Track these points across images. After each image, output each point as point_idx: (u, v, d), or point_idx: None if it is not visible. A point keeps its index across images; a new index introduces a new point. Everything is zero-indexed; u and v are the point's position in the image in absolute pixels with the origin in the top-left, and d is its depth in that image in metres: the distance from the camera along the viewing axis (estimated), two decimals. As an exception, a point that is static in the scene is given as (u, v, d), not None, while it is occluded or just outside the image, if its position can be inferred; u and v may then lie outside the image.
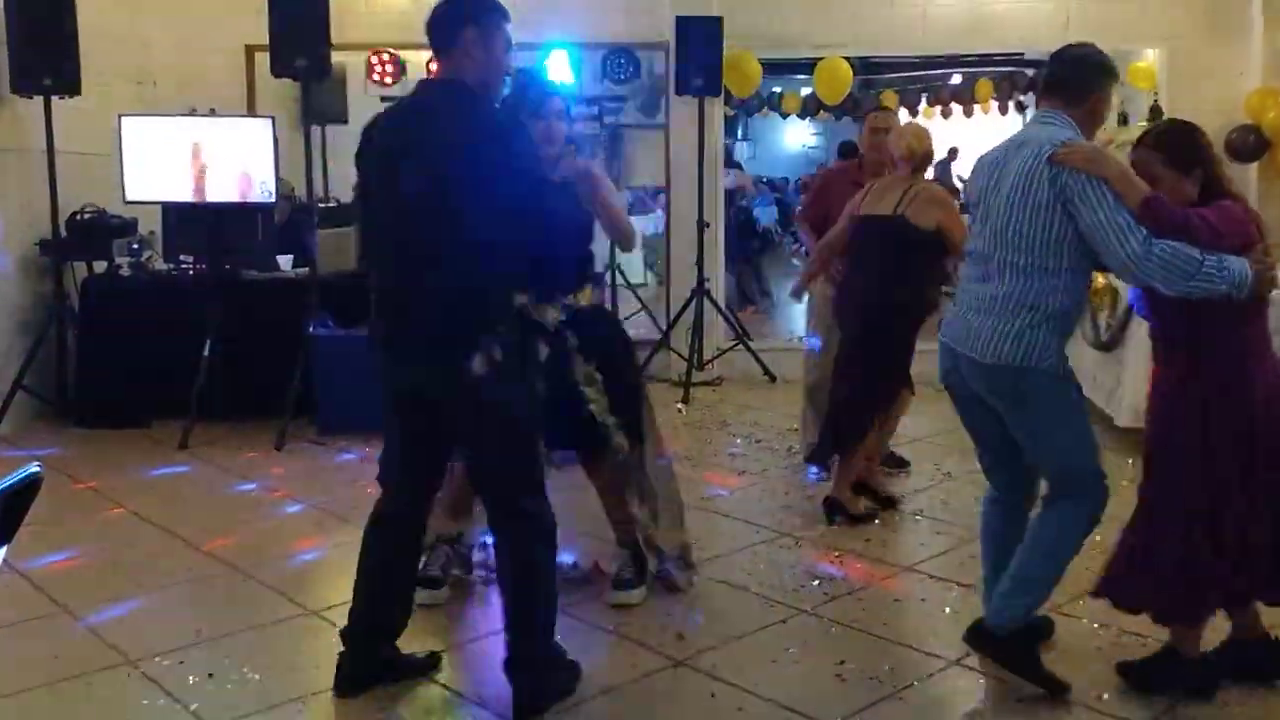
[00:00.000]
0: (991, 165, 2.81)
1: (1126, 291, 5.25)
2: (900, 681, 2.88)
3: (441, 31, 2.63)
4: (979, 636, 2.84)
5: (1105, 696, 2.76)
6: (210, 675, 2.92)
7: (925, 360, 3.99)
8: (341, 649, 2.83)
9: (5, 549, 1.48)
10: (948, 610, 3.37)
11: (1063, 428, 2.78)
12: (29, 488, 1.46)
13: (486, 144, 2.56)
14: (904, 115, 12.18)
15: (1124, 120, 7.55)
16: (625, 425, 3.30)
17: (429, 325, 2.60)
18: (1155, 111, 6.71)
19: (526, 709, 2.66)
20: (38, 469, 1.49)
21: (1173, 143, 2.69)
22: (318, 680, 2.86)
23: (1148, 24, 7.00)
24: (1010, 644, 2.78)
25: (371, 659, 2.84)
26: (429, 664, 2.94)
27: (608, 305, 3.40)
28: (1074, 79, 2.77)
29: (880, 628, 3.22)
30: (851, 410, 4.23)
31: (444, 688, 2.89)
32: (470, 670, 3.05)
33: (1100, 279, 5.61)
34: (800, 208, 4.63)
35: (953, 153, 12.49)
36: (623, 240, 3.46)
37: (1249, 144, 6.61)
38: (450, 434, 2.75)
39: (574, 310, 3.24)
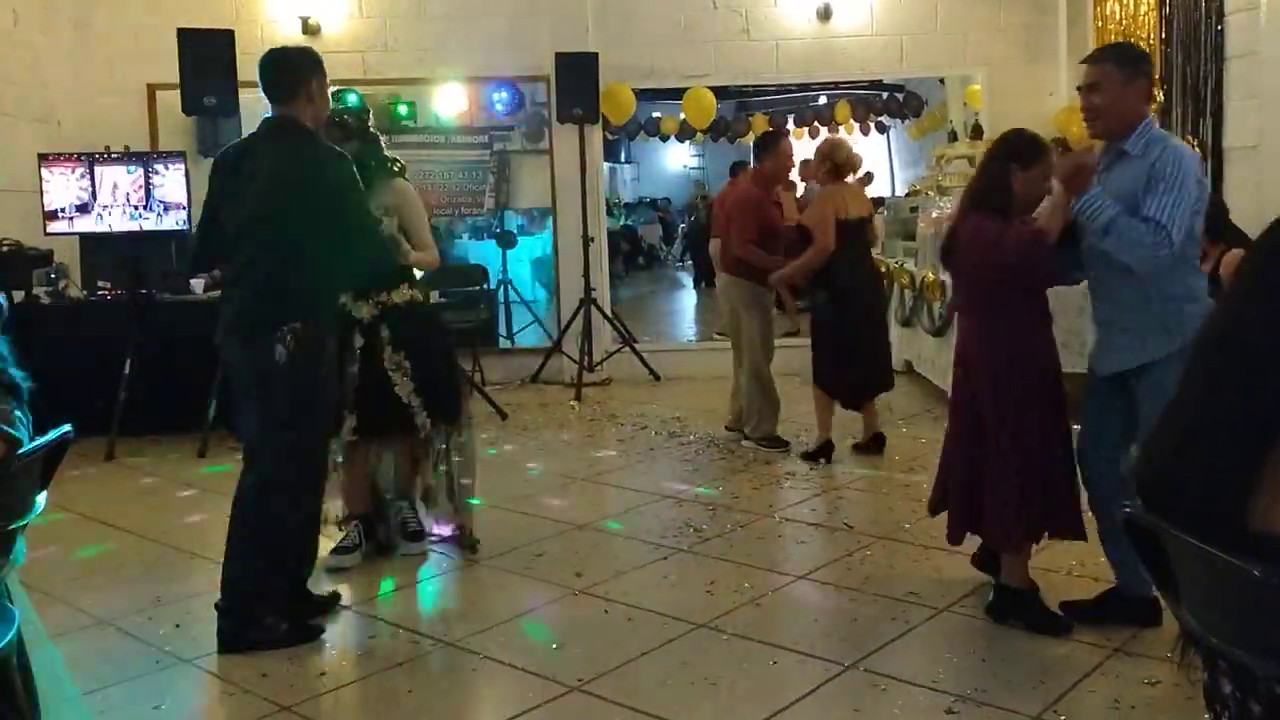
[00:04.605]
0: None
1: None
2: (758, 593, 3.55)
3: (286, 81, 3.28)
4: None
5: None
6: (177, 626, 3.41)
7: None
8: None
9: (45, 494, 1.95)
10: (800, 543, 4.09)
11: None
12: (62, 445, 1.92)
13: (316, 170, 3.22)
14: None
15: (953, 137, 8.49)
16: (428, 406, 3.91)
17: (245, 315, 3.22)
18: (976, 129, 7.63)
19: (226, 644, 3.19)
20: (69, 429, 1.96)
21: None
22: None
23: (970, 52, 7.97)
24: None
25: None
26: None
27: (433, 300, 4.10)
28: None
29: (744, 558, 3.90)
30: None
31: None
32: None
33: (930, 274, 6.49)
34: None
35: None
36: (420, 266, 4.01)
37: (1058, 153, 7.60)
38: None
39: (386, 306, 3.88)
